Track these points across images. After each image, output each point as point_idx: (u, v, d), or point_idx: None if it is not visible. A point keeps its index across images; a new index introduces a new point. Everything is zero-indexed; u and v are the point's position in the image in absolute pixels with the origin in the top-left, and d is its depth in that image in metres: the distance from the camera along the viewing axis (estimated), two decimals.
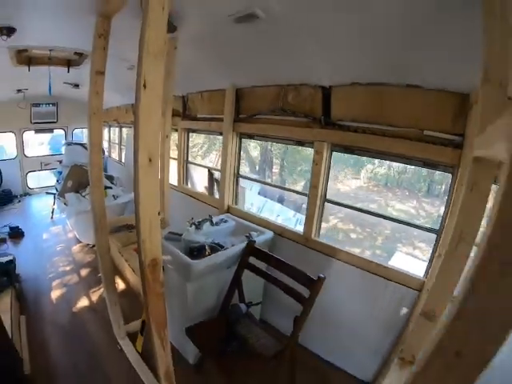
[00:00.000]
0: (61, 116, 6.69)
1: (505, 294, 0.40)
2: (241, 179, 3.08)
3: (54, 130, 6.98)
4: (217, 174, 3.99)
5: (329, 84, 2.03)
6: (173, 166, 3.96)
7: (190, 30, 2.14)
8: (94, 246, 4.22)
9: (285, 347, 1.76)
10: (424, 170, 8.41)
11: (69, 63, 3.45)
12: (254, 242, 2.09)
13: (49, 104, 6.42)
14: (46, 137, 7.28)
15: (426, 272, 1.84)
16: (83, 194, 4.39)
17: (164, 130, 2.55)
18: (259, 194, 8.84)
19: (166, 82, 2.19)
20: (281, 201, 9.18)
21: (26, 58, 3.20)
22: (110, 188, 4.48)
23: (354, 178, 9.18)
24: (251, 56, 2.25)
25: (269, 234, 2.40)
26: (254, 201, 7.34)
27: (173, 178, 4.02)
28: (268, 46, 2.02)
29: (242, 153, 2.97)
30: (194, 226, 2.34)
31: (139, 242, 1.14)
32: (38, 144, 7.11)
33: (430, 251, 1.85)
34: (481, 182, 0.95)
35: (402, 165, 8.79)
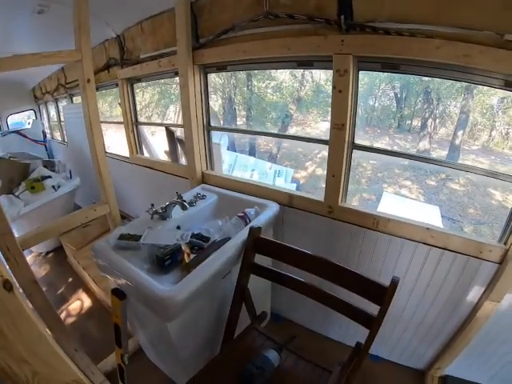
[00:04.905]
0: None
1: None
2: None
3: None
4: (179, 132, 3.03)
5: None
6: (120, 133, 2.99)
7: None
8: (48, 253, 3.41)
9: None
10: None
11: None
12: (260, 228, 1.30)
13: None
14: None
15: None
16: (16, 193, 3.22)
17: (83, 72, 1.54)
18: (228, 149, 7.95)
19: None
20: (252, 153, 8.32)
21: None
22: (50, 177, 3.37)
23: (323, 121, 8.36)
24: None
25: (272, 208, 1.61)
26: (224, 158, 6.50)
27: (122, 149, 3.06)
28: None
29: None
30: (157, 217, 1.49)
31: None
32: None
33: None
34: None
35: (371, 102, 8.12)
